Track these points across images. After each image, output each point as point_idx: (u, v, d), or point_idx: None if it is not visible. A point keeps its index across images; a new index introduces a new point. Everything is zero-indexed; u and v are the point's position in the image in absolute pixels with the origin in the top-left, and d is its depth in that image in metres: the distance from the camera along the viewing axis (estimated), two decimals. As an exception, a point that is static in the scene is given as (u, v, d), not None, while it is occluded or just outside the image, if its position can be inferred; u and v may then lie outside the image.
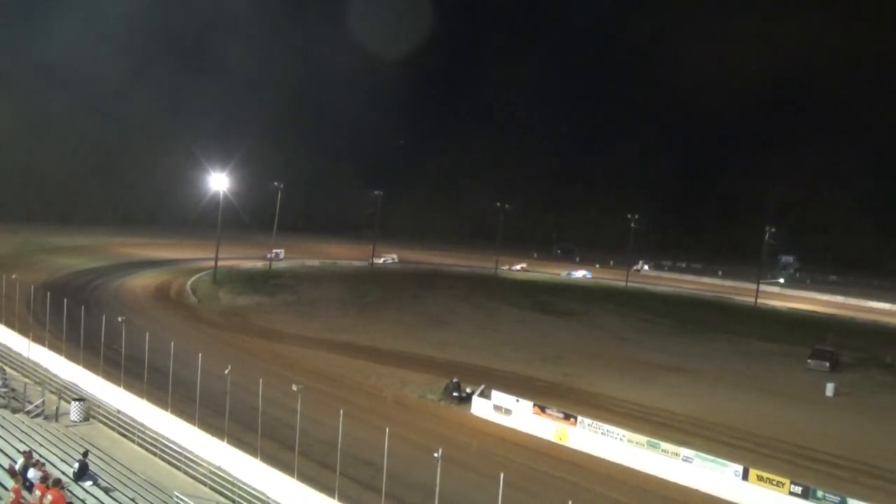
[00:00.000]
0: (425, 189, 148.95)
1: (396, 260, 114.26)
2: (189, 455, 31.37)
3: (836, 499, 29.30)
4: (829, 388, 51.54)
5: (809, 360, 59.72)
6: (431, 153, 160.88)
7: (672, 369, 54.96)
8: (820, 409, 47.38)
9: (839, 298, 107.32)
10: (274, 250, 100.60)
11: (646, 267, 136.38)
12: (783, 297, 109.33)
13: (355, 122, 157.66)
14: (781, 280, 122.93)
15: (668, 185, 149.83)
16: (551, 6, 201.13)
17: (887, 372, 58.49)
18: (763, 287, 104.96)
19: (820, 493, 29.73)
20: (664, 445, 34.39)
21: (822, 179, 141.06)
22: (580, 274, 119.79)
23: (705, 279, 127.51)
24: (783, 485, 30.57)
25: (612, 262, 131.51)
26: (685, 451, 33.69)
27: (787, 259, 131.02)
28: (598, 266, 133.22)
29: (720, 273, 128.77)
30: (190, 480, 29.19)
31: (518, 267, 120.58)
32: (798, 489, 30.17)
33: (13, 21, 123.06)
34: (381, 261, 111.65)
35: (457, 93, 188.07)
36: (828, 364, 58.50)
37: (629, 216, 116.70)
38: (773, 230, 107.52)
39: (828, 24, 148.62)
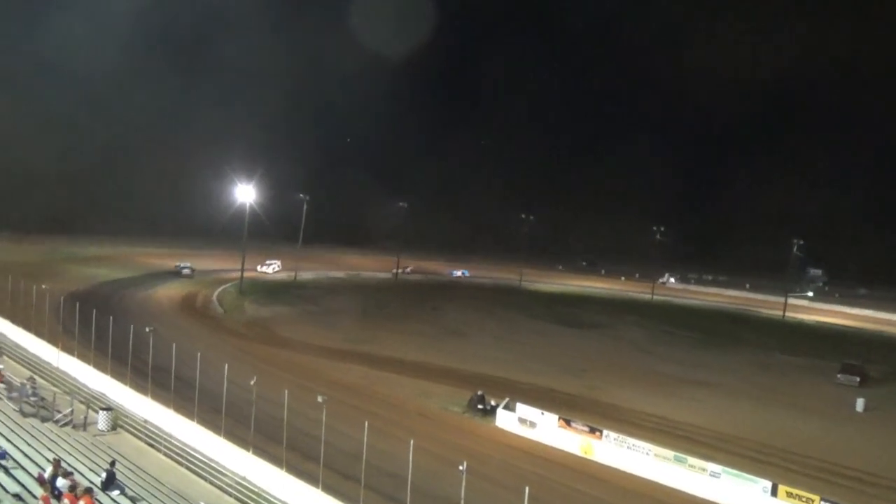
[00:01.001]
0: (449, 201, 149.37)
1: (409, 270, 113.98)
2: (215, 465, 31.65)
3: (867, 516, 28.96)
4: (860, 404, 50.94)
5: (839, 375, 59.09)
6: (452, 164, 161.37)
7: (698, 383, 54.56)
8: (850, 425, 46.81)
9: (868, 312, 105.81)
10: (268, 261, 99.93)
11: (672, 280, 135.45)
12: (811, 310, 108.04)
13: (379, 132, 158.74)
14: (810, 293, 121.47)
15: (691, 197, 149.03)
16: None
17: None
18: (791, 300, 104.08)
19: (850, 511, 29.41)
20: (691, 460, 34.14)
21: (849, 190, 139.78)
22: (459, 273, 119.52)
23: (732, 292, 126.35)
24: (813, 501, 30.20)
25: (637, 275, 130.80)
26: (712, 467, 33.41)
27: (815, 272, 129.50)
28: (623, 279, 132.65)
29: (747, 286, 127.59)
30: (216, 490, 29.39)
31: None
32: (828, 505, 29.86)
33: (31, 25, 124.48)
34: (405, 270, 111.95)
35: (481, 103, 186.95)
36: (857, 379, 57.85)
37: (655, 228, 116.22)
38: (801, 242, 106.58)
39: (851, 18, 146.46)
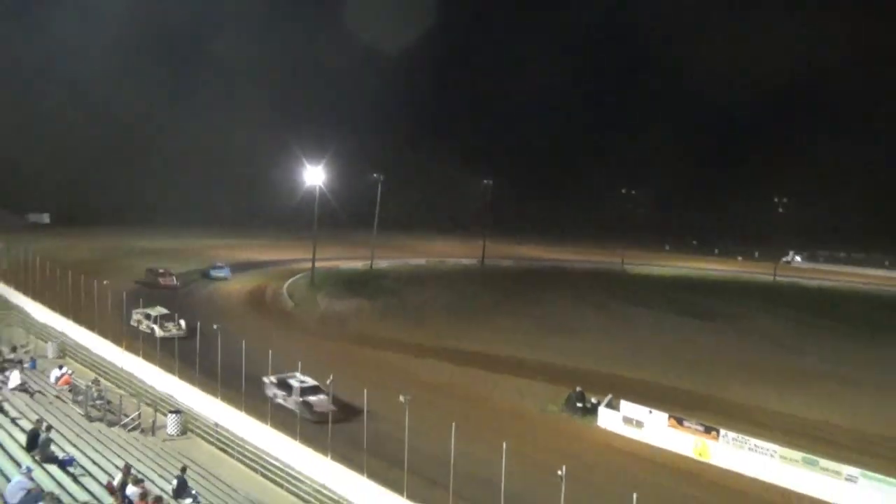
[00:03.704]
0: (545, 178, 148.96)
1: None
2: (291, 472, 32.54)
3: None
4: None
5: None
6: (543, 141, 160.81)
7: (838, 378, 52.89)
8: None
9: None
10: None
11: (798, 258, 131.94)
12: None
13: (459, 107, 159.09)
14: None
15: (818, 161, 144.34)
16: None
17: None
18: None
19: None
20: (823, 462, 33.38)
21: None
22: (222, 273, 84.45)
23: (869, 271, 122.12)
24: (969, 509, 29.33)
25: (756, 254, 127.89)
26: (849, 470, 32.61)
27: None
28: (740, 259, 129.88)
29: (887, 263, 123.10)
30: (293, 499, 30.27)
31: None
32: None
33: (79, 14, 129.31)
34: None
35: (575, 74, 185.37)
36: None
37: (776, 200, 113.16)
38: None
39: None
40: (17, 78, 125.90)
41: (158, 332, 51.52)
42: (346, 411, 37.42)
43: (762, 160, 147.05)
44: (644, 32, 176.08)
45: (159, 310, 54.61)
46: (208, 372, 40.12)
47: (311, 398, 38.44)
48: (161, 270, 76.25)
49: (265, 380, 40.78)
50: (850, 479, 32.38)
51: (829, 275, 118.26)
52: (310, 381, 39.81)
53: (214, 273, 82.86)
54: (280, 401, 39.28)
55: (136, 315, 54.20)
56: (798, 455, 34.20)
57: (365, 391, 31.80)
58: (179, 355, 42.53)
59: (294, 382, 40.07)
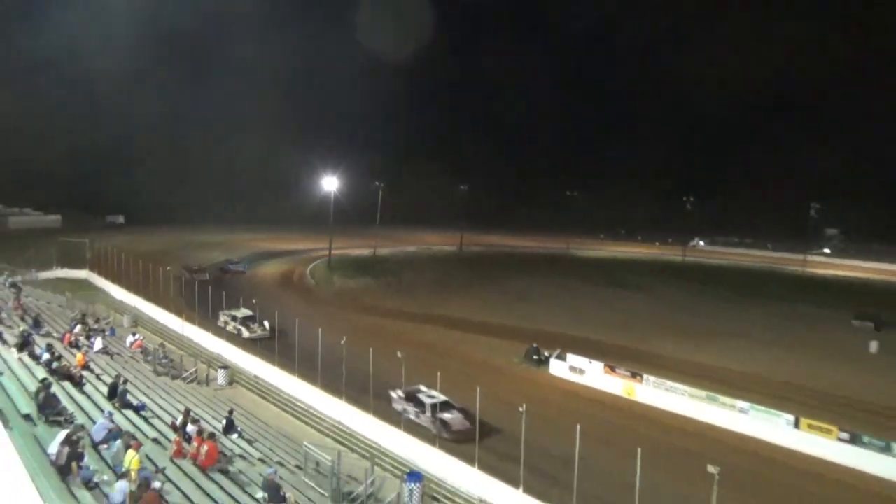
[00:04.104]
0: (510, 184, 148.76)
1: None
2: (315, 412, 32.61)
3: (881, 444, 28.15)
4: (873, 346, 49.42)
5: (854, 321, 57.37)
6: (507, 151, 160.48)
7: (729, 334, 53.42)
8: (864, 365, 45.41)
9: (881, 265, 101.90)
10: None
11: (701, 243, 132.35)
12: (829, 265, 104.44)
13: (443, 126, 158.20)
14: (827, 250, 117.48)
15: (716, 167, 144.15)
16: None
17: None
18: (810, 257, 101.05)
19: (866, 439, 28.64)
20: (722, 398, 33.69)
21: (863, 153, 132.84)
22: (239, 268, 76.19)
23: (756, 252, 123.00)
24: (831, 432, 29.59)
25: (670, 240, 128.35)
26: (741, 404, 32.92)
27: (831, 231, 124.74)
28: (658, 244, 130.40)
29: (769, 246, 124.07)
30: (316, 433, 30.25)
31: None
32: (846, 436, 29.15)
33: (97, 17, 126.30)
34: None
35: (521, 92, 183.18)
36: (871, 324, 56.04)
37: (684, 199, 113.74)
38: (818, 206, 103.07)
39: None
40: (83, 98, 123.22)
41: (245, 333, 44.94)
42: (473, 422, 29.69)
43: (674, 171, 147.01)
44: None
45: (244, 311, 47.48)
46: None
47: (447, 416, 30.80)
48: (195, 267, 69.28)
49: (393, 394, 33.38)
50: (742, 410, 32.70)
51: (725, 255, 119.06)
52: (439, 396, 31.35)
53: (232, 267, 74.91)
54: (412, 417, 31.80)
55: (224, 316, 47.76)
56: (703, 393, 34.49)
57: (370, 349, 31.76)
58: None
59: (424, 398, 32.38)
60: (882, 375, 42.51)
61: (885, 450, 27.88)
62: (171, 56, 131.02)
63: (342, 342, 31.83)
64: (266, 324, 45.28)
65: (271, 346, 39.53)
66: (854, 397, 36.79)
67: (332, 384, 32.95)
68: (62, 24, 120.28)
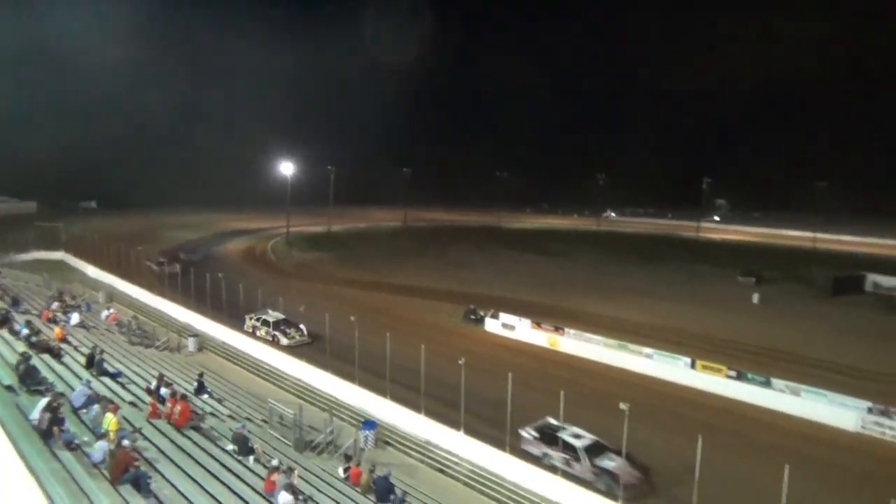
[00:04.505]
0: (445, 163, 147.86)
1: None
2: (278, 372, 32.17)
3: (762, 379, 29.52)
4: (755, 298, 51.49)
5: (740, 277, 59.56)
6: (444, 138, 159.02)
7: (637, 291, 54.85)
8: (748, 314, 47.36)
9: (762, 230, 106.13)
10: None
11: (612, 214, 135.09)
12: (719, 230, 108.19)
13: (389, 115, 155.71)
14: (716, 218, 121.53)
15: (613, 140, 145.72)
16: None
17: (799, 284, 58.21)
18: (703, 224, 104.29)
19: (749, 376, 29.97)
20: (631, 346, 34.65)
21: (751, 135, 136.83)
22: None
23: (658, 220, 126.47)
24: (721, 371, 30.82)
25: (586, 212, 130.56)
26: (647, 350, 33.93)
27: (720, 201, 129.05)
28: (576, 216, 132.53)
29: (669, 215, 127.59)
30: (280, 391, 29.88)
31: None
32: (733, 373, 30.42)
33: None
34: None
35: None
36: (754, 280, 58.32)
37: (597, 176, 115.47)
38: (710, 181, 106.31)
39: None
40: (62, 88, 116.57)
41: (283, 340, 35.94)
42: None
43: (588, 150, 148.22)
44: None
45: (275, 314, 38.13)
46: (216, 307, 39.12)
47: (608, 463, 21.52)
48: (162, 260, 56.57)
49: (523, 433, 23.60)
50: (648, 356, 33.70)
51: (633, 224, 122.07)
52: (586, 435, 22.73)
53: (185, 256, 61.65)
54: (557, 464, 22.20)
55: (251, 321, 38.15)
56: (615, 342, 35.37)
57: (327, 315, 31.41)
58: (196, 296, 41.37)
59: (569, 437, 22.53)
60: (762, 322, 44.46)
61: (765, 384, 29.26)
62: (138, 46, 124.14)
63: (301, 308, 31.43)
64: (303, 327, 36.98)
65: (237, 315, 38.66)
66: (740, 341, 38.40)
67: (292, 347, 32.53)
68: (38, 13, 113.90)
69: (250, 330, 37.67)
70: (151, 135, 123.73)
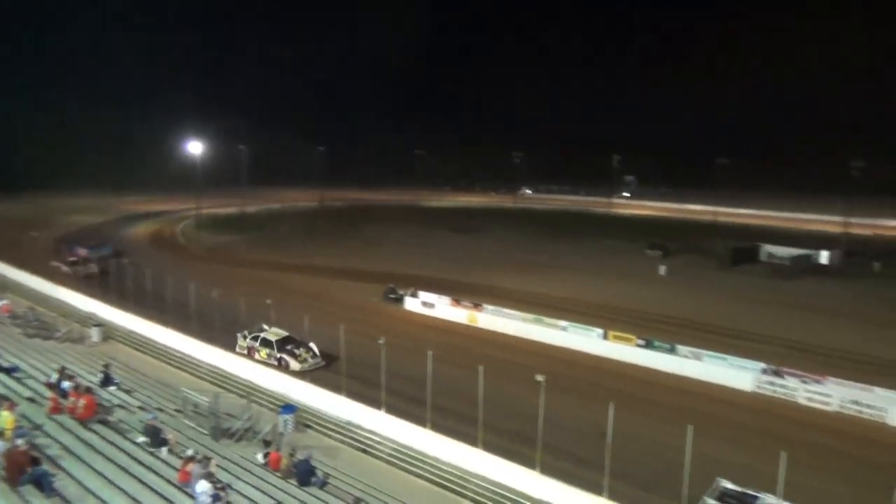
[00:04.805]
0: (363, 145, 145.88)
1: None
2: (191, 359, 31.01)
3: (668, 346, 31.09)
4: (662, 270, 54.00)
5: (647, 251, 62.20)
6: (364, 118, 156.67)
7: (551, 266, 56.38)
8: (655, 286, 49.67)
9: (668, 204, 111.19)
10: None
11: (528, 191, 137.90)
12: (628, 206, 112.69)
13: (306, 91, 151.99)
14: (626, 194, 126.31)
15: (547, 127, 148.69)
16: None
17: (701, 256, 61.43)
18: (614, 200, 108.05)
19: (657, 343, 31.48)
20: (547, 320, 35.63)
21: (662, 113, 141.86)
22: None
23: (571, 197, 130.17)
24: (631, 340, 32.22)
25: (503, 190, 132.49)
26: (562, 323, 35.00)
27: (629, 178, 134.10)
28: (493, 194, 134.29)
29: (582, 192, 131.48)
30: (194, 378, 28.86)
31: None
32: (642, 342, 31.87)
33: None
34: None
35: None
36: (661, 252, 61.06)
37: (512, 154, 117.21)
38: (620, 158, 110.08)
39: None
40: None
41: (294, 365, 29.11)
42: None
43: (504, 129, 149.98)
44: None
45: (276, 331, 30.92)
46: (122, 294, 37.27)
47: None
48: (73, 259, 49.66)
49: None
50: (563, 328, 34.76)
51: (548, 201, 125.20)
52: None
53: (95, 253, 52.13)
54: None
55: (245, 341, 30.98)
56: (531, 316, 36.27)
57: (242, 299, 30.44)
58: (99, 283, 39.16)
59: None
60: (668, 292, 46.79)
61: (671, 351, 30.86)
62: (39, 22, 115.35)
63: (214, 294, 30.37)
64: (314, 346, 30.11)
65: (144, 302, 36.92)
66: (648, 311, 40.26)
67: (206, 332, 31.47)
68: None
69: (245, 352, 30.70)
70: (52, 116, 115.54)
